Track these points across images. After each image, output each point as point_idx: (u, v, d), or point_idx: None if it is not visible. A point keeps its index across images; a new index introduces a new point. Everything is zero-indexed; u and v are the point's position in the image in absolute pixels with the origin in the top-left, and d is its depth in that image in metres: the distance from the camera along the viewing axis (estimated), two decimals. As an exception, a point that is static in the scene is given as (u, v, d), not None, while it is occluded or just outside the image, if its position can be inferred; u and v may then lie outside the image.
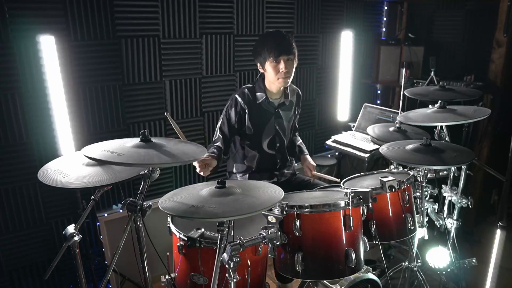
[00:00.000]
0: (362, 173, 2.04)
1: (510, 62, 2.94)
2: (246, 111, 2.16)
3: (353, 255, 1.48)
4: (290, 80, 2.14)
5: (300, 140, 2.49)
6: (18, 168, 2.16)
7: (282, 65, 2.05)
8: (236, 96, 2.17)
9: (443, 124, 2.03)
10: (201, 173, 1.92)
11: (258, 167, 2.25)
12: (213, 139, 2.18)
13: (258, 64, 2.15)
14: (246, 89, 2.19)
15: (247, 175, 2.27)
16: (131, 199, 1.41)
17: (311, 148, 3.46)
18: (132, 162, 1.30)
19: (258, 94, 2.19)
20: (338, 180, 2.12)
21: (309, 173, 2.32)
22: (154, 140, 1.45)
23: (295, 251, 1.49)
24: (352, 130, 3.25)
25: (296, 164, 2.47)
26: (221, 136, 2.15)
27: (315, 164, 2.33)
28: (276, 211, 1.53)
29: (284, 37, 2.07)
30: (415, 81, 3.23)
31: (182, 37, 2.53)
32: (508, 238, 1.88)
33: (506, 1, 2.82)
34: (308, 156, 2.37)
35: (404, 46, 3.40)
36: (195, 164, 1.91)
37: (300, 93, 2.38)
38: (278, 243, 1.49)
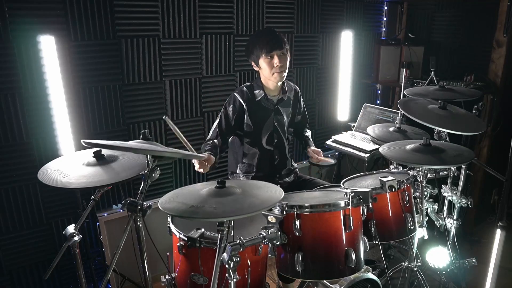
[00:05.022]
0: (362, 173, 2.04)
1: (510, 62, 2.94)
2: (245, 108, 2.17)
3: (353, 255, 1.48)
4: (285, 75, 2.17)
5: (308, 133, 2.54)
6: (18, 168, 2.16)
7: (276, 60, 2.09)
8: (235, 94, 2.20)
9: (440, 129, 2.02)
10: (200, 170, 1.92)
11: (258, 164, 2.26)
12: (209, 137, 2.19)
13: (253, 63, 2.18)
14: (244, 87, 2.22)
15: (250, 177, 2.27)
16: (131, 199, 1.41)
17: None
18: (139, 148, 1.31)
19: (256, 91, 2.21)
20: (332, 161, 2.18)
21: (316, 158, 2.36)
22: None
23: (295, 251, 1.49)
24: (352, 130, 3.25)
25: (297, 165, 2.47)
26: (218, 133, 2.16)
27: (319, 150, 2.38)
28: (276, 211, 1.53)
29: (274, 32, 2.13)
30: (415, 81, 3.23)
31: (182, 37, 2.53)
32: (508, 238, 1.88)
33: (506, 1, 2.82)
34: (312, 147, 2.42)
35: (404, 46, 3.40)
36: (195, 162, 1.92)
37: (298, 89, 2.41)
38: (278, 243, 1.49)
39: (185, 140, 1.80)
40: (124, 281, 2.43)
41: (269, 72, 2.11)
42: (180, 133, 1.80)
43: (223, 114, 2.19)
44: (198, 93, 2.69)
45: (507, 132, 2.99)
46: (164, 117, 1.79)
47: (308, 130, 2.56)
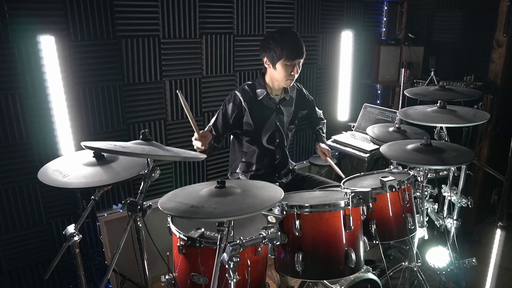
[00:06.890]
0: (362, 173, 2.04)
1: (510, 62, 2.94)
2: (246, 108, 2.16)
3: (353, 255, 1.48)
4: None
5: (320, 126, 2.56)
6: (18, 168, 2.16)
7: (295, 69, 2.08)
8: (236, 92, 2.18)
9: (442, 125, 2.03)
10: (198, 144, 1.84)
11: (258, 163, 2.26)
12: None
13: (266, 59, 2.12)
14: (246, 86, 2.21)
15: (249, 175, 2.27)
16: (131, 199, 1.41)
17: (311, 148, 3.46)
18: (139, 153, 1.31)
19: (258, 91, 2.20)
20: (343, 176, 2.14)
21: (324, 157, 2.41)
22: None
23: (295, 251, 1.49)
24: (352, 130, 3.25)
25: (296, 164, 2.48)
26: (212, 129, 2.10)
27: (329, 149, 2.43)
28: (276, 211, 1.53)
29: (300, 40, 2.08)
30: (415, 81, 3.23)
31: (182, 37, 2.53)
32: (508, 238, 1.88)
33: (506, 1, 2.82)
34: (321, 144, 2.46)
35: (404, 46, 3.40)
36: (194, 139, 1.85)
37: (301, 86, 2.41)
38: (278, 243, 1.49)
39: (192, 117, 1.72)
40: (124, 281, 2.43)
41: (283, 77, 2.09)
42: (189, 111, 1.71)
43: (221, 111, 2.16)
44: (198, 93, 2.69)
45: (507, 132, 2.99)
46: (178, 91, 1.72)
47: (322, 121, 2.58)
